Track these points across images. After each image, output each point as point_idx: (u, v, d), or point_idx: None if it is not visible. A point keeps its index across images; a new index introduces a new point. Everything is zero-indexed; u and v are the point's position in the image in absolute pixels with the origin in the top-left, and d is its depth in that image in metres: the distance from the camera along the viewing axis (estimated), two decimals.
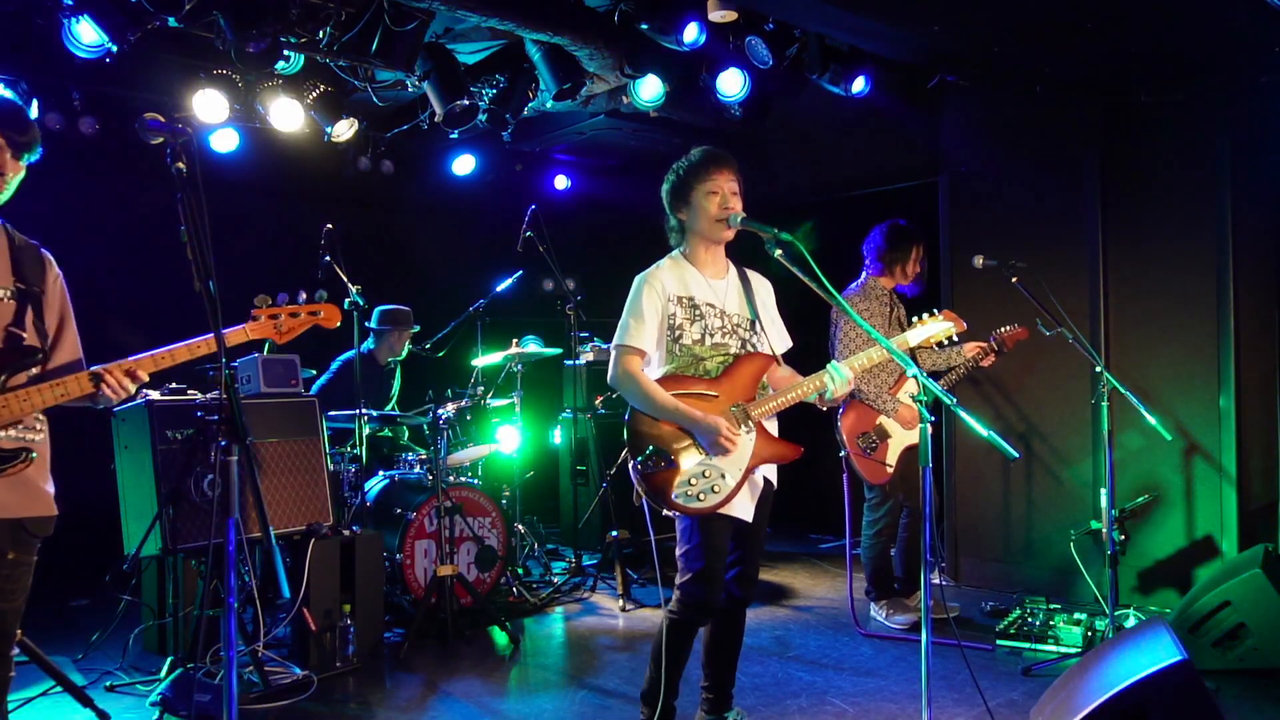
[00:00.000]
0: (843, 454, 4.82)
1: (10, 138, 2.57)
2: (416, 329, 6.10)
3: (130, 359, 2.70)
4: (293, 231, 6.11)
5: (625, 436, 3.10)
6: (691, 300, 3.19)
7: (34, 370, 2.65)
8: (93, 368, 2.67)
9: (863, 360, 3.22)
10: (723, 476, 3.06)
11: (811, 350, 4.97)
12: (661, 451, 3.04)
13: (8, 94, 5.19)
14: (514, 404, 6.02)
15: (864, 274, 5.02)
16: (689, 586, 3.13)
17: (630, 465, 3.06)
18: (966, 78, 5.70)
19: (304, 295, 2.98)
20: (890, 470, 4.80)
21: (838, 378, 3.07)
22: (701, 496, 3.04)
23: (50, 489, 2.71)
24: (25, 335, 2.65)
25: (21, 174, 2.64)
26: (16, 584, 2.63)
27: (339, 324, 3.07)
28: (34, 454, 2.62)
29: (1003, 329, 4.88)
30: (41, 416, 2.69)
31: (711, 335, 3.19)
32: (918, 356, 4.91)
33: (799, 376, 3.23)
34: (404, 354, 6.11)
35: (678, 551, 3.18)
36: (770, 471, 3.27)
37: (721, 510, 3.08)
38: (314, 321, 2.99)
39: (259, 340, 2.92)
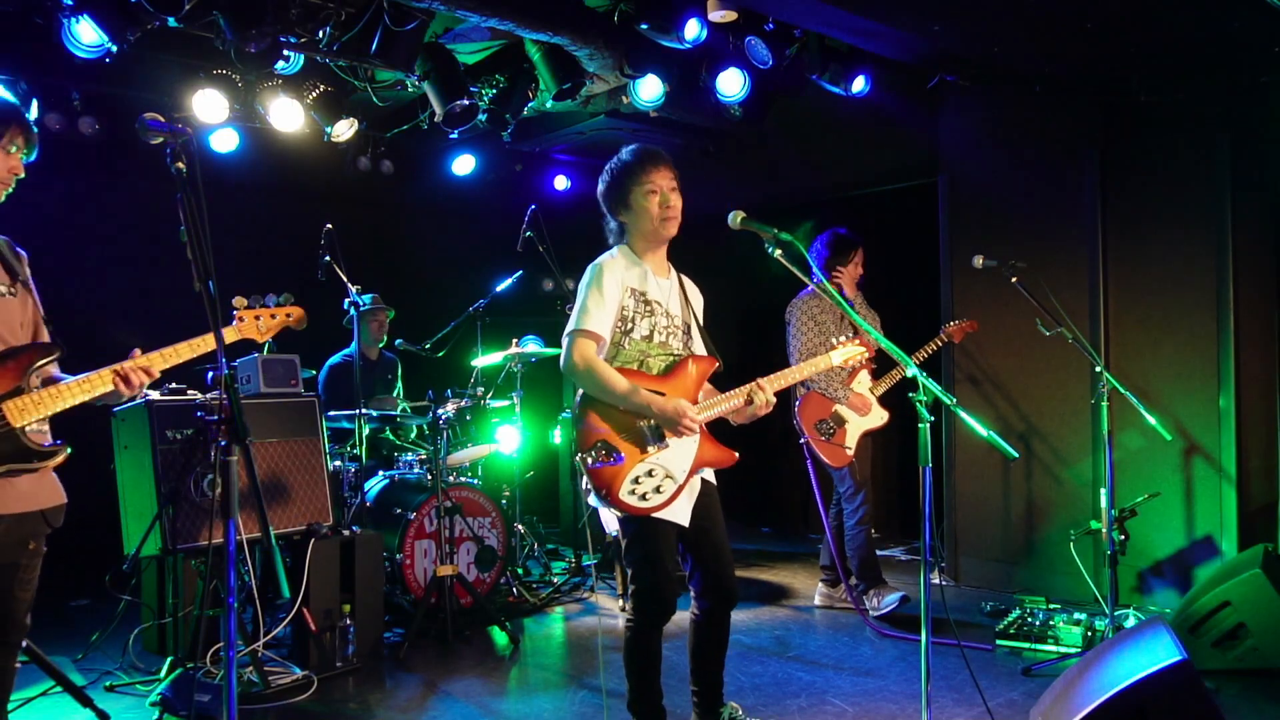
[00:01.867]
0: (803, 441, 5.03)
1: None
2: (392, 314, 6.12)
3: (143, 356, 2.74)
4: (293, 231, 6.11)
5: (574, 427, 3.07)
6: (644, 295, 3.16)
7: (40, 364, 2.67)
8: (111, 366, 2.71)
9: (792, 376, 3.29)
10: (668, 477, 3.05)
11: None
12: (610, 446, 3.01)
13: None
14: (514, 404, 6.03)
15: (813, 280, 5.16)
16: (644, 595, 3.10)
17: (576, 458, 3.03)
18: (966, 78, 5.70)
19: (273, 297, 3.07)
20: (850, 453, 5.01)
21: (759, 398, 3.14)
22: (647, 496, 3.02)
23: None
24: (38, 330, 2.73)
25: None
26: (34, 573, 2.73)
27: (306, 325, 3.15)
28: (68, 447, 2.70)
29: (951, 323, 5.24)
30: None
31: (659, 334, 3.18)
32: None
33: (718, 392, 3.21)
34: (384, 340, 6.11)
35: (626, 560, 3.16)
36: (708, 472, 3.26)
37: (663, 514, 3.06)
38: (288, 323, 3.08)
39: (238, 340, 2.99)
